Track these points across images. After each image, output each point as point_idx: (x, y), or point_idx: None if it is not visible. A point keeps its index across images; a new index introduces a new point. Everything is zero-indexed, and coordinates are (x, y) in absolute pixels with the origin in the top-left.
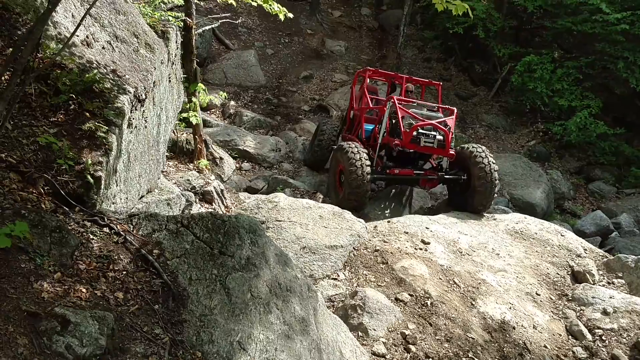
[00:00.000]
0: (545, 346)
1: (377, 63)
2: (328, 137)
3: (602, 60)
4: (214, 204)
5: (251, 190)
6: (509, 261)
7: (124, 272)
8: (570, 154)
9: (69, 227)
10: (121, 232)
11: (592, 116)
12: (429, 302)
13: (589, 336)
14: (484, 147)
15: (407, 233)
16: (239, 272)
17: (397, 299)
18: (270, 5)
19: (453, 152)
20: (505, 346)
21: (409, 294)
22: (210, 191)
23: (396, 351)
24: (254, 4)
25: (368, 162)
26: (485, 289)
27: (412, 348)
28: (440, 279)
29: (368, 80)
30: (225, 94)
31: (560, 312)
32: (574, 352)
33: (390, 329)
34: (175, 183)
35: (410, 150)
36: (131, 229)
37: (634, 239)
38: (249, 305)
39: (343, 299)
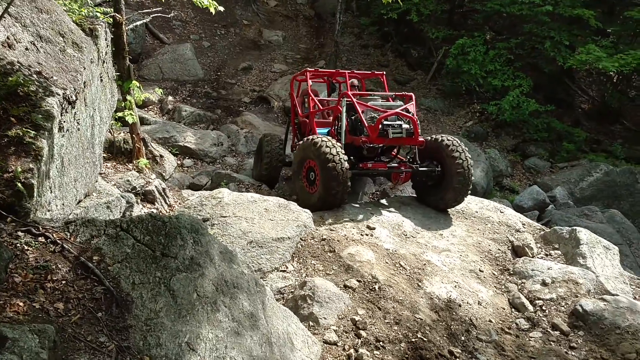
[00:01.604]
0: (490, 320)
1: (316, 52)
2: (274, 155)
3: (530, 40)
4: (156, 203)
5: (194, 186)
6: (452, 241)
7: (63, 282)
8: (506, 132)
9: (1, 240)
10: (58, 241)
11: (524, 95)
12: (376, 287)
13: (531, 307)
14: (456, 138)
15: (353, 220)
16: (184, 273)
17: (345, 286)
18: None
19: (422, 139)
20: (452, 324)
21: (357, 280)
22: (152, 191)
23: (347, 337)
24: None
25: (345, 157)
26: (430, 270)
27: (363, 333)
28: (387, 262)
29: (310, 81)
30: (161, 90)
31: (503, 287)
32: (517, 324)
33: (340, 317)
34: (114, 185)
35: (380, 145)
36: (68, 237)
37: (568, 210)
38: (196, 305)
39: (292, 290)
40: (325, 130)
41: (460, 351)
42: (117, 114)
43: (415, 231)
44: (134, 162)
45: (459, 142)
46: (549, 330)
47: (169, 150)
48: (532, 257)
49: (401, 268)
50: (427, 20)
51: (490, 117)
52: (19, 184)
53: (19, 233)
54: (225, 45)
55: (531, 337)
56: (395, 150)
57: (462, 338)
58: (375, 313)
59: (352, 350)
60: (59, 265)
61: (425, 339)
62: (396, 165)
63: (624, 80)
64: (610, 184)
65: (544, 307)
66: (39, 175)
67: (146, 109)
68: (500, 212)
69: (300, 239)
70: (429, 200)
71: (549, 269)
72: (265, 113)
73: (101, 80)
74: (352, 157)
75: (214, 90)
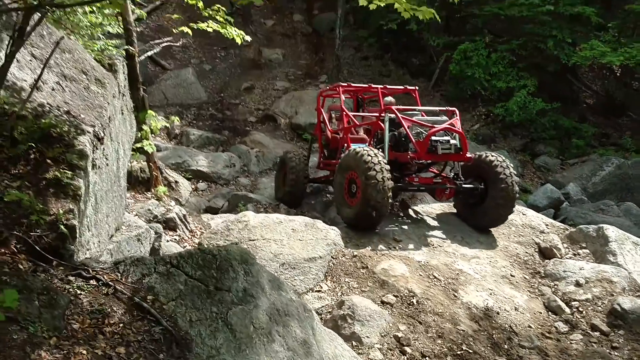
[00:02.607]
0: (529, 326)
1: (316, 67)
2: (300, 170)
3: (532, 40)
4: (178, 230)
5: (211, 210)
6: (479, 247)
7: (121, 325)
8: (514, 133)
9: (55, 286)
10: (110, 283)
11: (530, 95)
12: (414, 301)
13: (567, 309)
14: (502, 156)
15: (378, 233)
16: (239, 306)
17: (383, 302)
18: (226, 30)
19: (470, 156)
20: (494, 333)
21: (394, 295)
22: (173, 218)
23: (392, 355)
24: (209, 29)
25: (388, 168)
26: (464, 279)
27: (408, 350)
28: (421, 275)
29: (343, 96)
30: (177, 118)
31: (537, 290)
32: (556, 328)
33: (382, 334)
34: (136, 214)
35: (428, 162)
36: (119, 278)
37: (583, 206)
38: (253, 337)
39: (330, 309)
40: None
41: None
42: (135, 144)
43: (441, 240)
44: (153, 190)
45: (503, 158)
46: (588, 331)
47: (183, 175)
48: (561, 258)
49: (435, 279)
50: (426, 29)
51: (496, 119)
52: (62, 227)
53: (70, 278)
54: (226, 67)
55: (572, 340)
56: (435, 166)
57: (505, 346)
58: (416, 328)
59: None
60: (114, 308)
61: (470, 351)
62: (441, 181)
63: (627, 73)
64: (623, 177)
65: (580, 309)
66: (79, 216)
67: (153, 135)
68: (522, 214)
69: (331, 257)
70: (472, 218)
71: (581, 269)
72: (272, 131)
73: (122, 113)
74: (395, 173)
75: (218, 111)
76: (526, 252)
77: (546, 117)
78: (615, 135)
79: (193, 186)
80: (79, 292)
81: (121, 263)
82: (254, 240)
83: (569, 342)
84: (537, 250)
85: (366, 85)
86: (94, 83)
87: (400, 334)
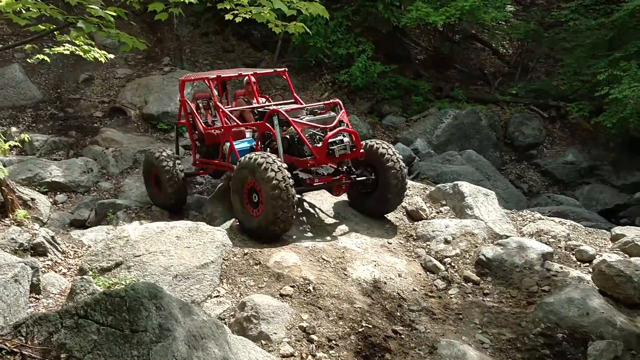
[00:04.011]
0: (414, 289)
1: (157, 48)
2: (175, 171)
3: (364, 5)
4: (49, 254)
5: (77, 222)
6: (355, 220)
7: None
8: (360, 97)
9: None
10: (15, 350)
11: (370, 59)
12: (311, 288)
13: (442, 267)
14: (387, 143)
15: None
16: (159, 344)
17: (282, 295)
18: (88, 54)
19: (363, 151)
20: (386, 303)
21: (291, 286)
22: (41, 242)
23: (301, 346)
24: (66, 52)
25: (292, 183)
26: (349, 256)
27: (314, 337)
28: (311, 260)
29: (214, 87)
30: (28, 136)
31: (413, 253)
32: (436, 286)
33: (288, 327)
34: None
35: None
36: (24, 342)
37: (431, 159)
38: None
39: (232, 313)
40: (247, 145)
41: (402, 328)
42: None
43: (319, 219)
44: (10, 216)
45: (389, 145)
46: (463, 283)
47: (37, 189)
48: (427, 218)
49: (325, 262)
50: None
51: (342, 85)
52: None
53: None
54: (58, 59)
55: (451, 295)
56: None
57: (398, 314)
58: (318, 314)
59: (310, 357)
60: None
61: (370, 326)
62: (338, 177)
63: (449, 28)
64: (460, 127)
65: (452, 264)
66: None
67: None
68: None
69: (223, 259)
70: (365, 207)
71: (446, 227)
72: (123, 125)
73: None
74: (292, 178)
75: (59, 110)
76: (396, 218)
77: (386, 79)
78: (447, 88)
79: (51, 200)
80: None
81: (22, 325)
82: (139, 255)
83: (449, 298)
84: (405, 213)
85: (236, 74)
86: None
87: (304, 324)
